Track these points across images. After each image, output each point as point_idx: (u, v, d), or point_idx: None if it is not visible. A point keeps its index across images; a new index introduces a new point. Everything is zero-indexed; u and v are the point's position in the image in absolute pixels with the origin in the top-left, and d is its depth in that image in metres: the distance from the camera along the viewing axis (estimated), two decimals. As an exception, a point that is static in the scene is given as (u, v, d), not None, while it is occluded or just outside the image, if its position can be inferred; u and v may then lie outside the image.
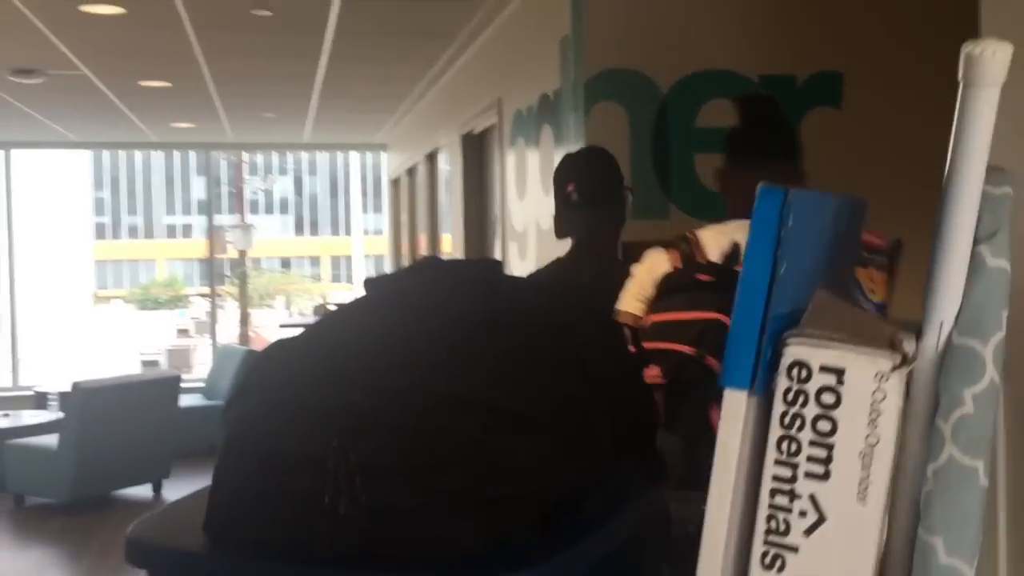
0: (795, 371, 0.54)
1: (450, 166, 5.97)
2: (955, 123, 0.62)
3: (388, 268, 9.48)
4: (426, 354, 0.94)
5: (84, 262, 29.44)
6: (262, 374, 1.03)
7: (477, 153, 5.25)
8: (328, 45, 4.87)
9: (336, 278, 34.47)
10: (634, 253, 1.89)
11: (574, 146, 3.12)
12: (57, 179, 25.74)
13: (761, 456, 0.56)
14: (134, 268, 35.22)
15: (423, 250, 7.13)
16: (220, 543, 0.95)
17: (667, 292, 1.56)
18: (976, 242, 0.59)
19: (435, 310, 0.99)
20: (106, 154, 35.14)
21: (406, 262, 8.01)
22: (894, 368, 0.53)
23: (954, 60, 0.65)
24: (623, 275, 1.74)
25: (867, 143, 3.04)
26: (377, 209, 34.75)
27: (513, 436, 0.90)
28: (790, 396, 0.54)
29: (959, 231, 0.58)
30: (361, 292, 1.10)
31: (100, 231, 35.21)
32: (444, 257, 1.57)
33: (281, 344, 1.07)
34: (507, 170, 4.35)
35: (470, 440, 0.89)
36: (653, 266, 1.67)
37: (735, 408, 0.56)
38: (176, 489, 6.32)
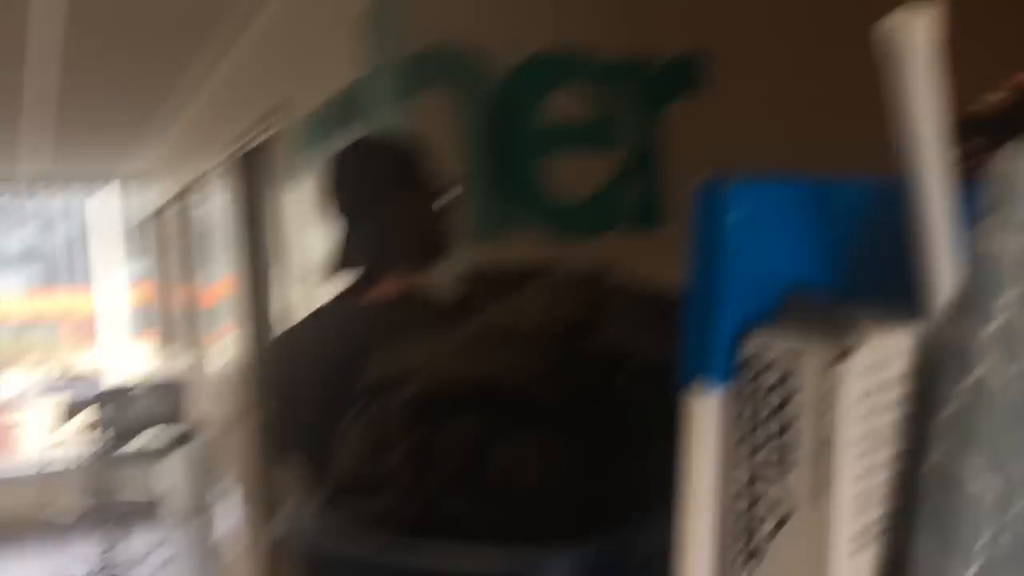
0: (751, 366, 0.57)
1: (214, 196, 5.05)
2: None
3: (157, 319, 8.27)
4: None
5: None
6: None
7: (250, 174, 4.40)
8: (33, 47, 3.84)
9: (78, 340, 31.15)
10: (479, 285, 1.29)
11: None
12: None
13: (726, 452, 0.58)
14: None
15: (195, 294, 6.09)
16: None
17: None
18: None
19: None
20: None
21: (179, 309, 6.90)
22: (836, 360, 0.53)
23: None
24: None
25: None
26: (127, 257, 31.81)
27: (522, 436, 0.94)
28: (747, 391, 0.57)
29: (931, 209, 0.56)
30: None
31: None
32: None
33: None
34: (293, 191, 3.55)
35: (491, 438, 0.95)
36: None
37: (693, 404, 0.58)
38: None
